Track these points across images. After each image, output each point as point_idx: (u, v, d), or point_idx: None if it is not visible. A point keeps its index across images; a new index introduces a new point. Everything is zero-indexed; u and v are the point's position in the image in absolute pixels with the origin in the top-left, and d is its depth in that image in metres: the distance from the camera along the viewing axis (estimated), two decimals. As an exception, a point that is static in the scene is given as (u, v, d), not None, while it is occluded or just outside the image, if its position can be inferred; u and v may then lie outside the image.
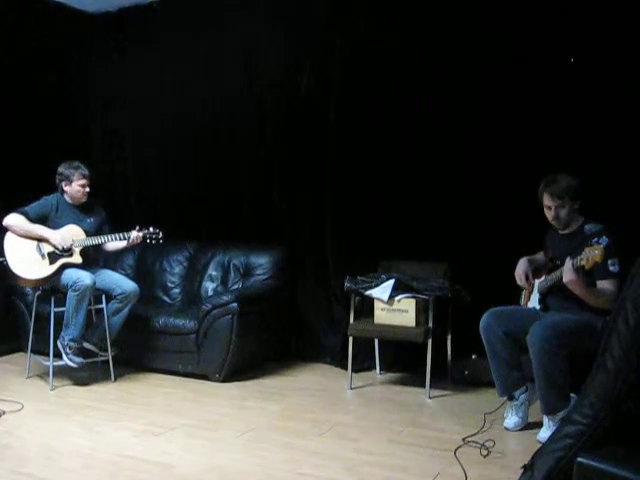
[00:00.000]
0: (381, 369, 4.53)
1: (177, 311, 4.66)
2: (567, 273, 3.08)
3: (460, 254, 4.22)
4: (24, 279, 4.20)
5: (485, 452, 3.06)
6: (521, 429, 3.38)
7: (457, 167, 4.28)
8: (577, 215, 3.35)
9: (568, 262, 3.08)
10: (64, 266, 4.20)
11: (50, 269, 4.18)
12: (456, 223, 4.28)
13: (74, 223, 4.30)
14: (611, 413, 1.91)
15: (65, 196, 4.36)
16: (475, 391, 4.06)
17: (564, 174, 3.33)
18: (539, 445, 2.57)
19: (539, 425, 3.27)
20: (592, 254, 2.94)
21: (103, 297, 4.26)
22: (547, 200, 3.32)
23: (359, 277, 4.20)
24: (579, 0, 3.83)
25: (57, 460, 3.02)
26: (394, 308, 4.04)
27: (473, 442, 3.18)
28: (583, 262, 3.00)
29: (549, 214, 3.35)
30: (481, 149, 4.18)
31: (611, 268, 3.12)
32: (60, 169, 4.33)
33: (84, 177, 4.31)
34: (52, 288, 4.24)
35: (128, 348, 4.49)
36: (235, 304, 4.26)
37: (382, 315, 4.09)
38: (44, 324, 4.38)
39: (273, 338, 4.80)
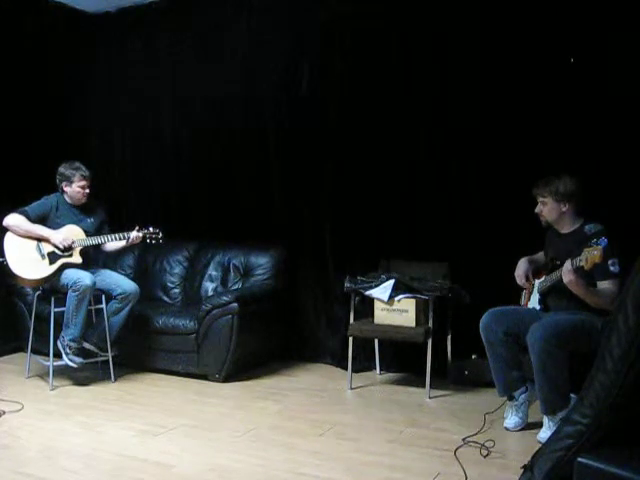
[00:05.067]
0: (381, 369, 4.53)
1: (177, 311, 4.66)
2: (566, 274, 3.08)
3: (460, 254, 4.22)
4: (24, 279, 4.20)
5: (485, 452, 3.06)
6: (521, 429, 3.38)
7: (457, 167, 4.28)
8: (575, 216, 3.36)
9: (567, 263, 3.09)
10: (64, 266, 4.20)
11: (50, 269, 4.18)
12: (456, 223, 4.28)
13: (74, 223, 4.31)
14: (611, 413, 1.91)
15: (65, 196, 4.36)
16: (475, 391, 4.06)
17: (564, 175, 3.34)
18: (539, 445, 2.57)
19: (539, 425, 3.27)
20: (591, 255, 2.95)
21: (103, 297, 4.26)
22: (535, 196, 3.42)
23: (359, 277, 4.20)
24: (579, 0, 3.83)
25: (57, 460, 3.03)
26: (394, 308, 4.04)
27: (473, 442, 3.18)
28: (582, 263, 3.00)
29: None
30: (481, 149, 4.18)
31: (611, 268, 3.13)
32: (61, 169, 4.33)
33: (84, 178, 4.31)
34: (52, 288, 4.24)
35: (128, 348, 4.49)
36: (235, 304, 4.26)
37: (382, 315, 4.09)
38: (44, 324, 4.38)
39: (273, 338, 4.80)
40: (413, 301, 4.00)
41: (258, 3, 4.94)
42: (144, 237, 4.32)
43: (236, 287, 4.81)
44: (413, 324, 3.98)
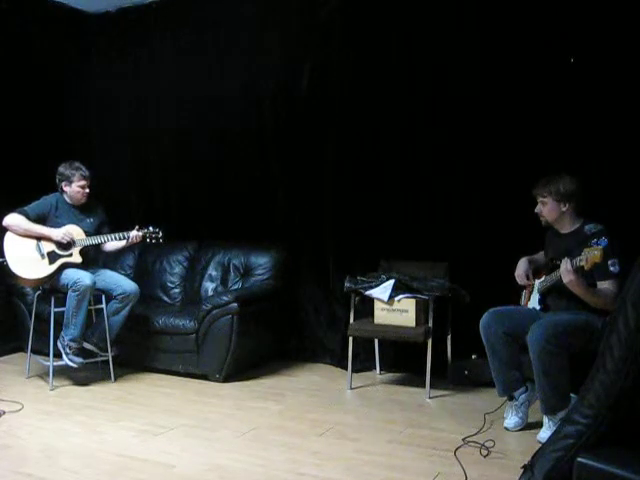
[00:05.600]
0: (381, 369, 4.53)
1: (177, 311, 4.66)
2: (566, 274, 3.08)
3: (460, 254, 4.22)
4: (24, 279, 4.21)
5: (485, 452, 3.06)
6: (521, 429, 3.38)
7: (457, 167, 4.28)
8: (575, 216, 3.36)
9: (566, 263, 3.09)
10: (64, 266, 4.20)
11: (50, 269, 4.18)
12: (456, 223, 4.28)
13: (74, 223, 4.30)
14: (611, 413, 1.91)
15: (65, 196, 4.36)
16: (475, 391, 4.06)
17: (564, 175, 3.34)
18: (539, 445, 2.57)
19: (539, 425, 3.27)
20: (591, 255, 2.95)
21: (103, 297, 4.26)
22: (535, 196, 3.42)
23: (359, 277, 4.20)
24: (579, 0, 3.83)
25: (57, 460, 3.03)
26: (394, 308, 4.04)
27: (473, 442, 3.18)
28: (582, 263, 3.00)
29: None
30: (481, 149, 4.18)
31: (611, 269, 3.13)
32: (60, 169, 4.34)
33: (84, 178, 4.31)
34: (52, 288, 4.24)
35: (128, 348, 4.49)
36: (235, 304, 4.26)
37: (382, 315, 4.09)
38: (44, 324, 4.38)
39: (273, 338, 4.80)
40: (413, 301, 4.00)
41: (258, 3, 4.95)
42: (144, 236, 4.32)
43: (236, 287, 4.81)
44: (413, 324, 3.98)
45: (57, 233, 4.19)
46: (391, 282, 4.07)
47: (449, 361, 4.21)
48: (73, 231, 4.27)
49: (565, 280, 3.10)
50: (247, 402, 3.93)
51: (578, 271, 3.07)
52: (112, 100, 5.64)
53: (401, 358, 4.48)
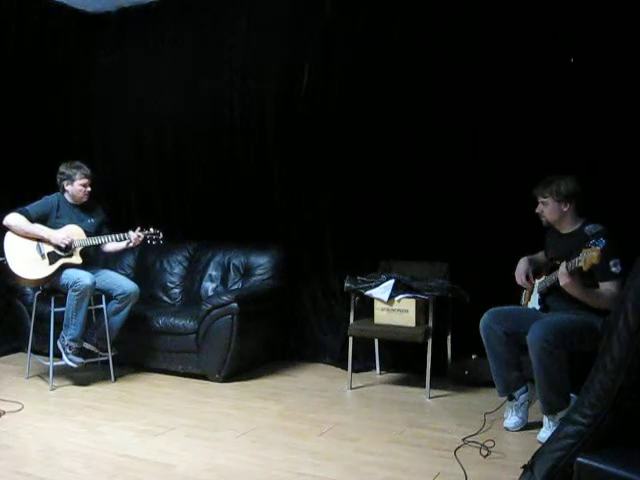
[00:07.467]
0: (381, 369, 4.53)
1: (177, 311, 4.66)
2: (562, 276, 3.09)
3: (460, 254, 4.22)
4: (24, 279, 4.20)
5: (485, 452, 3.06)
6: (521, 429, 3.38)
7: (457, 167, 4.28)
8: (576, 216, 3.36)
9: (562, 266, 3.09)
10: (64, 266, 4.19)
11: (50, 269, 4.18)
12: (456, 223, 4.28)
13: (74, 223, 4.30)
14: (611, 413, 1.91)
15: (66, 195, 4.36)
16: (475, 391, 4.06)
17: (565, 176, 3.33)
18: (539, 445, 2.56)
19: (539, 425, 3.27)
20: (589, 256, 2.94)
21: (103, 297, 4.26)
22: (536, 197, 3.42)
23: (359, 277, 4.20)
24: (579, 0, 3.83)
25: (57, 460, 3.02)
26: (394, 308, 4.04)
27: (473, 442, 3.18)
28: (580, 263, 3.00)
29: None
30: (481, 149, 4.19)
31: (613, 269, 3.12)
32: (62, 168, 4.34)
33: (86, 177, 4.32)
34: (52, 288, 4.23)
35: (128, 348, 4.49)
36: (235, 304, 4.26)
37: (382, 315, 4.09)
38: (44, 324, 4.38)
39: (273, 338, 4.80)
40: (413, 301, 4.00)
41: (258, 3, 4.95)
42: (145, 238, 4.32)
43: (236, 287, 4.81)
44: (413, 324, 3.99)
45: (57, 237, 4.18)
46: (391, 282, 4.07)
47: (449, 361, 4.21)
48: (74, 231, 4.27)
49: (562, 283, 3.11)
50: (247, 402, 3.93)
51: (575, 273, 3.07)
52: (112, 100, 5.65)
53: (401, 358, 4.48)
